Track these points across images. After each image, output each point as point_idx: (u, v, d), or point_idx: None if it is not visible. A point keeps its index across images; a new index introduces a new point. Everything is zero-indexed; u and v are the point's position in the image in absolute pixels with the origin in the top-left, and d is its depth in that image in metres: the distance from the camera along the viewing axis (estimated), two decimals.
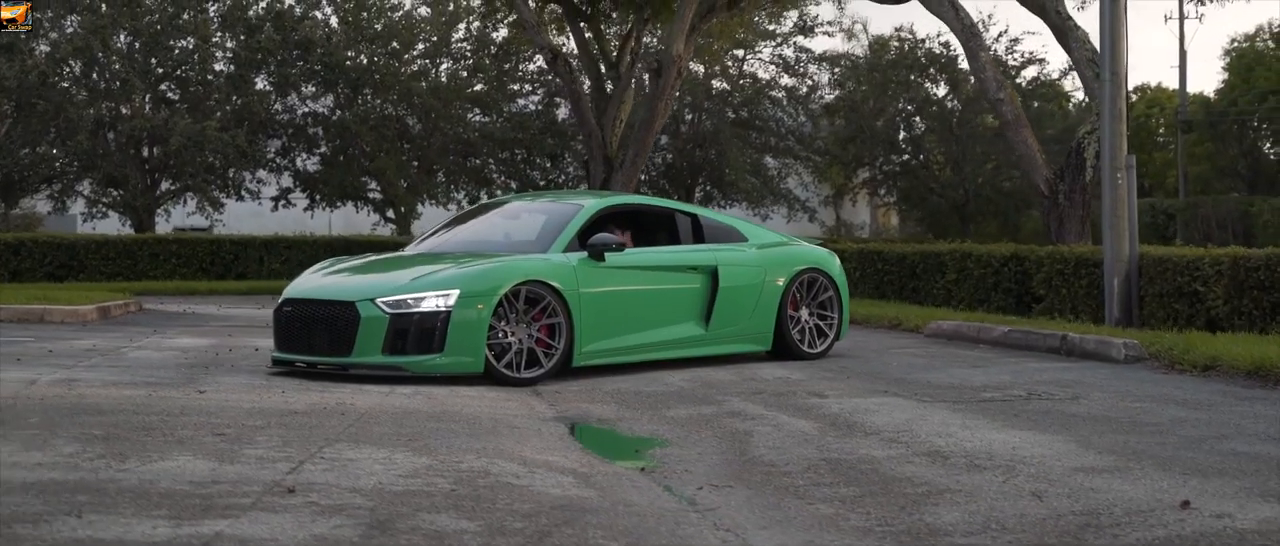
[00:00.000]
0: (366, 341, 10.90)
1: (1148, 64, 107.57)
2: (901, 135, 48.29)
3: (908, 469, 7.11)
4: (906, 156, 48.12)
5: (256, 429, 7.99)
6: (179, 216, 44.64)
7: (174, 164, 36.70)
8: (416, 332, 10.86)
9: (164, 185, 38.36)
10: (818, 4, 34.48)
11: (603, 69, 31.00)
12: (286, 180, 41.65)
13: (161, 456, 6.92)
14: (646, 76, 31.88)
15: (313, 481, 6.37)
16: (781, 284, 13.28)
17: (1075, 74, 44.54)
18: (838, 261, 14.11)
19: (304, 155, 41.81)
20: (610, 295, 11.95)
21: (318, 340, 11.22)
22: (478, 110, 43.33)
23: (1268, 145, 55.26)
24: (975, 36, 22.11)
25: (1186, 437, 8.05)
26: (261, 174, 40.62)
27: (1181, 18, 51.44)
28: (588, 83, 31.08)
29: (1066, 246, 19.57)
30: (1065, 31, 21.50)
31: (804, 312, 13.54)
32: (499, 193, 44.44)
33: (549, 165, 44.65)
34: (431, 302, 10.92)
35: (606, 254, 11.98)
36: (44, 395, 9.33)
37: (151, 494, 5.99)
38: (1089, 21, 33.53)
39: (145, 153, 37.49)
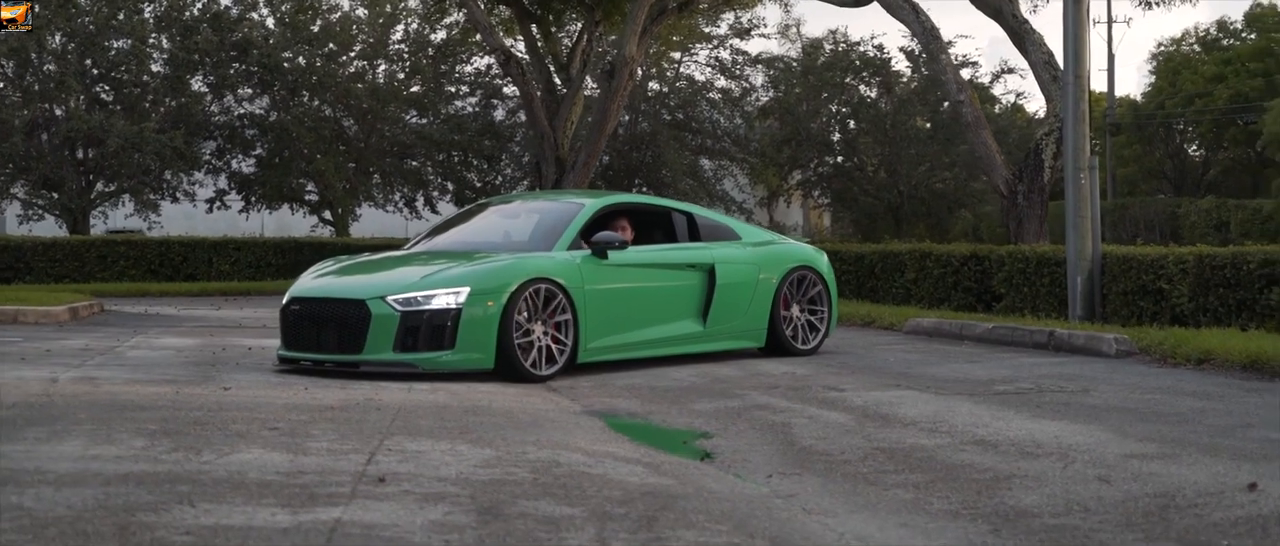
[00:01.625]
0: (378, 339, 11.01)
1: (1093, 69, 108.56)
2: (835, 137, 48.64)
3: (963, 456, 7.30)
4: (840, 158, 48.48)
5: (304, 423, 8.07)
6: (116, 219, 44.30)
7: (110, 166, 36.44)
8: (427, 330, 10.97)
9: (99, 187, 38.09)
10: (766, 6, 34.62)
11: (553, 71, 31.09)
12: (221, 182, 41.48)
13: (232, 449, 7.00)
14: (592, 79, 32.03)
15: (396, 471, 6.47)
16: (774, 281, 13.52)
17: (1003, 78, 45.12)
18: (826, 259, 14.35)
19: (240, 157, 41.64)
20: (613, 292, 12.16)
21: (327, 338, 11.31)
22: (415, 112, 43.32)
23: (1193, 147, 56.15)
24: (936, 39, 22.43)
25: (1214, 426, 8.30)
26: (197, 176, 40.41)
27: (1109, 22, 52.20)
28: (539, 85, 31.15)
29: (1027, 245, 19.89)
30: (1022, 35, 21.84)
31: (795, 309, 13.75)
32: (435, 194, 44.48)
33: (486, 167, 44.73)
34: (442, 300, 11.02)
35: (609, 252, 12.17)
36: (75, 392, 9.36)
37: (247, 484, 6.08)
38: (1043, 25, 34.03)
39: (81, 154, 37.21)
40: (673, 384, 11.07)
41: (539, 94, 29.86)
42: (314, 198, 43.15)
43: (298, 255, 31.95)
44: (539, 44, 31.36)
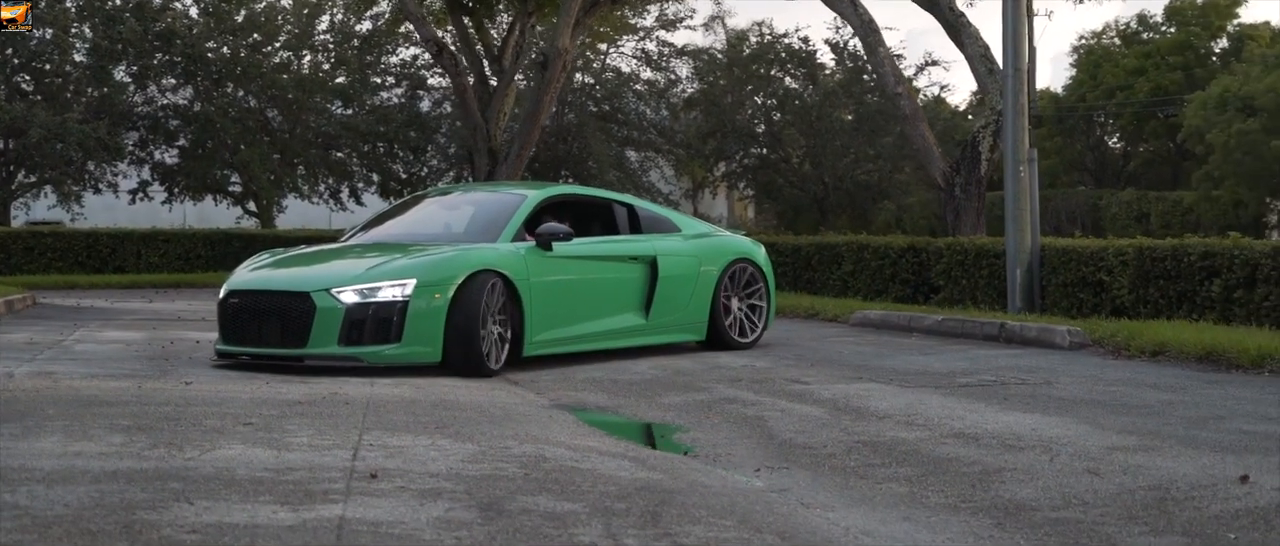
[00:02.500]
0: (322, 332, 10.79)
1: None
2: (760, 129, 48.74)
3: (946, 450, 7.32)
4: (765, 150, 48.61)
5: (277, 418, 7.98)
6: (38, 210, 43.71)
7: (32, 157, 35.95)
8: (373, 323, 10.78)
9: (20, 178, 37.57)
10: None
11: (485, 63, 30.97)
12: (144, 173, 41.02)
13: (213, 445, 6.91)
14: (524, 72, 31.91)
15: (385, 467, 6.40)
16: (715, 273, 13.46)
17: (927, 71, 45.33)
18: (764, 252, 14.37)
19: (163, 148, 41.20)
20: (558, 284, 12.02)
21: (269, 332, 11.05)
22: (340, 103, 43.05)
23: (1114, 140, 56.73)
24: (873, 32, 22.50)
25: (1186, 419, 8.36)
26: (120, 167, 39.94)
27: (1031, 16, 52.46)
28: (471, 77, 31.02)
29: (966, 237, 20.01)
30: (958, 28, 21.95)
31: (735, 302, 13.69)
32: (360, 186, 44.20)
33: (411, 158, 44.53)
34: (388, 292, 10.84)
35: (554, 244, 12.02)
36: (35, 388, 9.21)
37: (239, 481, 6.00)
38: (980, 18, 34.22)
39: (1, 146, 36.69)
40: (635, 377, 11.04)
41: (471, 85, 29.72)
42: (238, 189, 42.80)
43: (227, 247, 31.66)
44: (472, 34, 31.21)
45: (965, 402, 9.13)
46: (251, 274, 11.70)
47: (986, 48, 21.57)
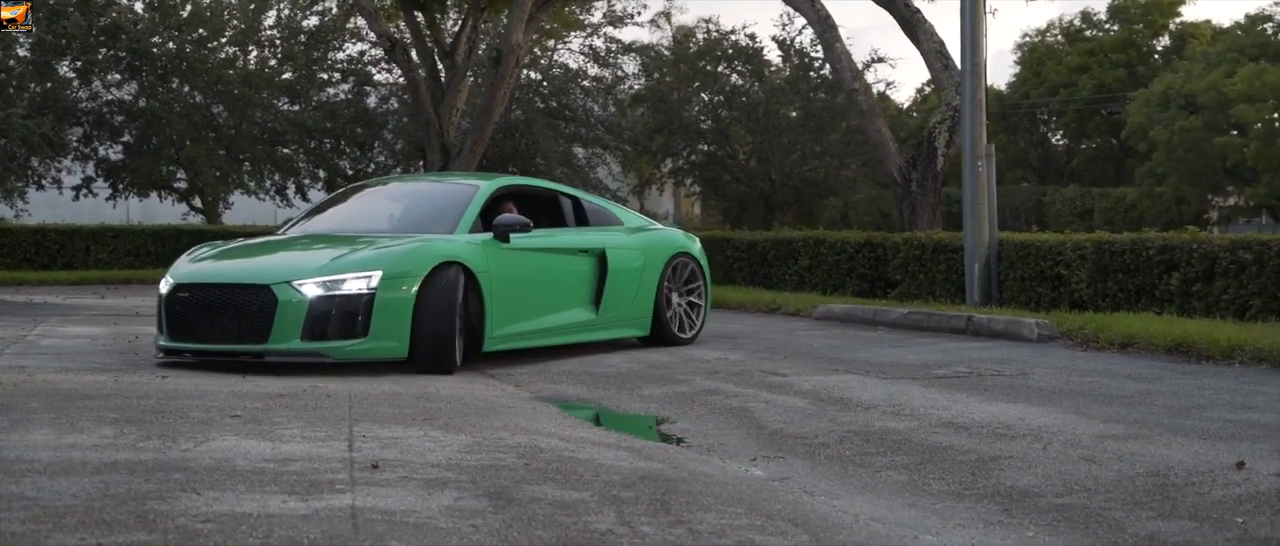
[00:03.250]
0: (284, 327, 10.22)
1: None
2: (707, 125, 48.83)
3: (938, 439, 7.35)
4: (712, 146, 48.70)
5: (262, 410, 7.94)
6: None
7: None
8: (338, 316, 10.27)
9: None
10: None
11: (437, 58, 30.89)
12: (88, 169, 40.68)
13: (205, 437, 6.87)
14: (475, 67, 31.85)
15: (383, 457, 6.38)
16: (659, 267, 13.16)
17: (873, 67, 45.36)
18: (700, 245, 14.13)
19: (108, 143, 40.88)
20: (517, 277, 11.57)
21: (223, 327, 10.42)
22: (286, 99, 42.85)
23: (1057, 137, 57.12)
24: (830, 27, 22.57)
25: (1168, 408, 8.43)
26: (64, 162, 39.59)
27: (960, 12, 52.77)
28: (423, 72, 30.92)
29: (923, 232, 20.11)
30: (913, 24, 22.04)
31: (675, 297, 13.41)
32: (306, 182, 43.98)
33: (358, 154, 44.37)
34: (354, 284, 10.33)
35: (511, 236, 11.60)
36: (13, 381, 9.11)
37: (241, 472, 5.96)
38: (935, 14, 34.35)
39: None
40: (609, 370, 11.03)
41: (424, 81, 29.63)
42: (183, 185, 42.52)
43: (177, 243, 31.45)
44: (424, 30, 31.13)
45: (946, 393, 9.18)
46: (198, 266, 11.11)
47: (942, 44, 21.67)
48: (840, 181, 48.03)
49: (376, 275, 10.36)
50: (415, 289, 10.41)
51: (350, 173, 43.99)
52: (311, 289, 10.28)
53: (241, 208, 45.35)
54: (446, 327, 10.50)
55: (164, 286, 10.92)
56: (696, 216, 56.49)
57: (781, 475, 6.44)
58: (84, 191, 40.83)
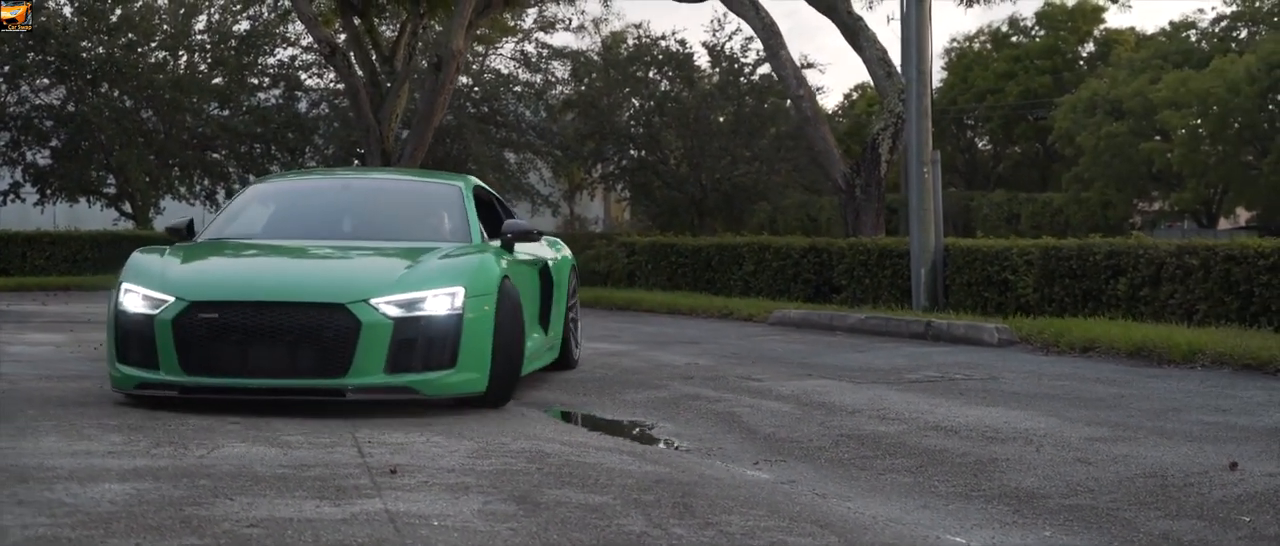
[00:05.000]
0: (367, 357, 8.16)
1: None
2: (637, 130, 49.03)
3: (931, 441, 7.52)
4: (642, 152, 48.89)
5: (258, 418, 8.01)
6: None
7: None
8: (424, 343, 8.33)
9: None
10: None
11: (376, 64, 30.90)
12: (15, 174, 40.35)
13: (215, 445, 6.94)
14: (414, 72, 31.86)
15: (398, 463, 6.48)
16: (567, 281, 11.62)
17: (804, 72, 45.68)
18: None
19: (35, 149, 40.57)
20: (522, 293, 9.56)
21: (277, 358, 8.22)
22: (216, 103, 42.68)
23: (984, 142, 57.71)
24: (775, 35, 22.76)
25: (1146, 410, 8.65)
26: None
27: (903, 19, 53.30)
28: (363, 77, 30.92)
29: (868, 238, 20.35)
30: (856, 32, 22.29)
31: (571, 314, 11.75)
32: (237, 186, 43.79)
33: (289, 159, 44.27)
34: (437, 303, 8.41)
35: (516, 245, 9.96)
36: (2, 390, 9.16)
37: (264, 478, 6.05)
38: (877, 23, 34.64)
39: None
40: (582, 377, 11.13)
41: (364, 86, 29.63)
42: (113, 190, 42.26)
43: (116, 249, 31.22)
44: (364, 35, 31.12)
45: (925, 398, 9.36)
46: (216, 278, 8.85)
47: (884, 51, 21.93)
48: (770, 187, 48.42)
49: (460, 293, 8.50)
50: (492, 309, 8.63)
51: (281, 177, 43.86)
52: (393, 309, 8.29)
53: (172, 212, 45.13)
54: (517, 354, 8.90)
55: (162, 308, 8.38)
56: (626, 222, 56.66)
57: (788, 478, 6.58)
58: (11, 197, 40.50)
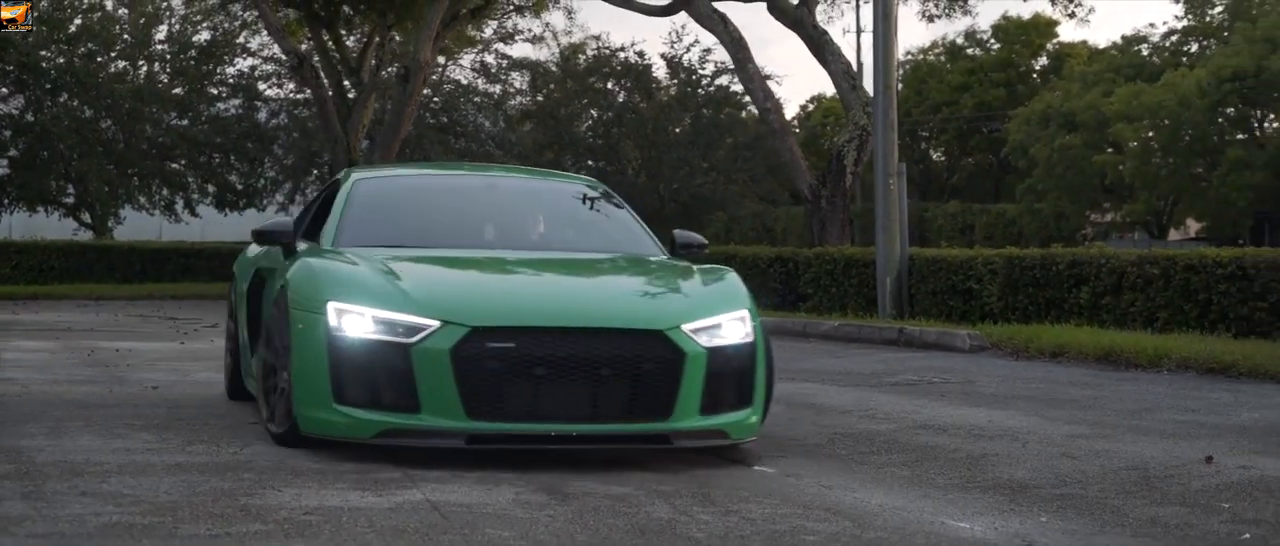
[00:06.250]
0: (689, 395, 6.95)
1: (827, 77, 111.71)
2: (595, 141, 49.44)
3: (922, 439, 7.93)
4: (601, 162, 49.29)
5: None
6: None
7: None
8: (730, 376, 7.17)
9: None
10: (551, 10, 35.19)
11: (342, 75, 31.21)
12: None
13: (245, 442, 7.33)
14: (376, 83, 32.17)
15: (418, 457, 6.82)
16: None
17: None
18: None
19: None
20: None
21: (578, 398, 6.80)
22: (176, 113, 42.86)
23: (938, 153, 58.38)
24: (743, 48, 23.20)
25: (1121, 410, 9.10)
26: None
27: (858, 32, 54.01)
28: (330, 88, 31.22)
29: (834, 247, 20.79)
30: (821, 46, 22.76)
31: None
32: (195, 196, 43.98)
33: (248, 169, 44.52)
34: (733, 328, 7.26)
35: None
36: (16, 393, 9.51)
37: (304, 471, 6.42)
38: (836, 36, 35.12)
39: None
40: None
41: (330, 97, 29.93)
42: (71, 200, 42.39)
43: (82, 259, 31.51)
44: (329, 47, 31.42)
45: (910, 399, 9.78)
46: (496, 295, 7.31)
47: (849, 65, 22.43)
48: (728, 197, 49.01)
49: (747, 316, 7.39)
50: (763, 334, 7.52)
51: (240, 187, 44.11)
52: (702, 336, 7.09)
53: (133, 223, 45.24)
54: (772, 387, 7.66)
55: (398, 332, 6.80)
56: None
57: (792, 472, 6.95)
58: None
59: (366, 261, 7.51)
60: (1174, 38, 50.03)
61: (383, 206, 8.67)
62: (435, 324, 6.76)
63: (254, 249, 9.57)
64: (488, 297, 7.17)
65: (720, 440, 7.10)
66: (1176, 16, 51.23)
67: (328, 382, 6.82)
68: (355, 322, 6.85)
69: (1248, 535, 5.40)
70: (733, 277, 7.84)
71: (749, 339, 7.23)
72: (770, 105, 23.45)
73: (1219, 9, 48.07)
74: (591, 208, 9.12)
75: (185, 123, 42.80)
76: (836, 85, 22.59)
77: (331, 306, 6.92)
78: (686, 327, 7.01)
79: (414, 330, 6.76)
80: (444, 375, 6.68)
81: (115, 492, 5.76)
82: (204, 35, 43.09)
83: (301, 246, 8.31)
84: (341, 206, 8.46)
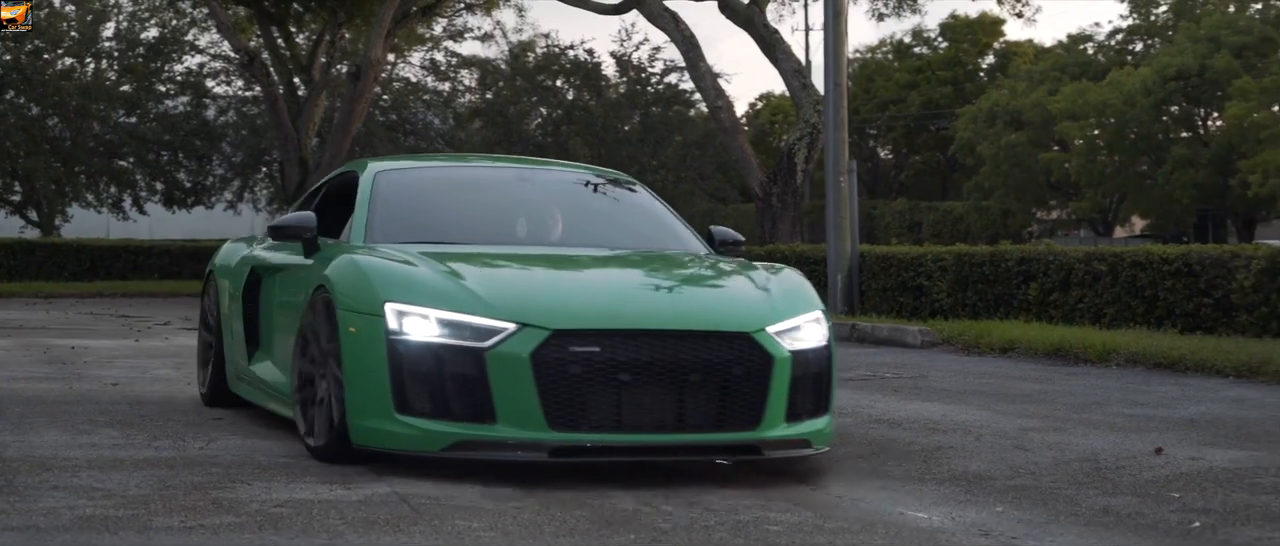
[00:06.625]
0: (776, 401, 6.58)
1: (775, 74, 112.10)
2: (545, 139, 49.52)
3: (877, 432, 8.06)
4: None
5: (233, 414, 8.42)
6: None
7: None
8: (812, 383, 6.81)
9: None
10: (502, 8, 35.27)
11: (293, 73, 31.21)
12: None
13: (210, 437, 7.43)
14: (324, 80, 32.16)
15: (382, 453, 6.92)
16: None
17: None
18: None
19: None
20: None
21: (661, 405, 6.35)
22: (124, 110, 42.72)
23: (886, 152, 58.74)
24: (694, 47, 23.35)
25: (1070, 404, 9.27)
26: None
27: (806, 30, 54.31)
28: (280, 86, 31.20)
29: (785, 245, 20.96)
30: (772, 44, 22.92)
31: None
32: (143, 194, 43.86)
33: (196, 167, 44.43)
34: (811, 331, 6.86)
35: None
36: None
37: (269, 466, 6.53)
38: (785, 35, 35.31)
39: None
40: None
41: (281, 95, 29.92)
42: (18, 198, 42.20)
43: (30, 257, 31.36)
44: (279, 45, 31.41)
45: (864, 395, 9.92)
46: (570, 295, 6.73)
47: (800, 64, 22.60)
48: (677, 194, 49.19)
49: (821, 317, 7.01)
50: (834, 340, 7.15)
51: (188, 185, 44.03)
52: (785, 340, 6.71)
53: (80, 221, 45.07)
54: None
55: (467, 336, 6.32)
56: None
57: (752, 465, 7.07)
58: None
59: (419, 258, 6.93)
60: (1119, 37, 50.56)
61: (412, 200, 8.12)
62: (511, 326, 6.29)
63: (240, 246, 9.14)
64: (566, 298, 6.62)
65: (804, 450, 6.71)
66: (1121, 16, 51.85)
67: (388, 391, 6.33)
68: (418, 325, 6.35)
69: (1197, 523, 5.54)
70: (798, 277, 7.38)
71: (825, 342, 6.86)
72: (722, 104, 23.60)
73: (1163, 8, 48.59)
74: (627, 201, 8.56)
75: (133, 120, 42.67)
76: (787, 83, 22.76)
77: (390, 308, 6.40)
78: (771, 330, 6.62)
79: (488, 333, 6.28)
80: (523, 382, 6.20)
81: (87, 486, 5.83)
82: (152, 32, 42.93)
83: (327, 244, 7.68)
84: (367, 200, 7.82)
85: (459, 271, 6.74)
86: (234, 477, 6.14)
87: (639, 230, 8.16)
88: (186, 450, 6.92)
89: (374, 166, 8.23)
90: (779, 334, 6.61)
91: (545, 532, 5.23)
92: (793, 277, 7.30)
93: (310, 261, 7.48)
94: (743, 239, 8.40)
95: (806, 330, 6.77)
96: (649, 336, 6.36)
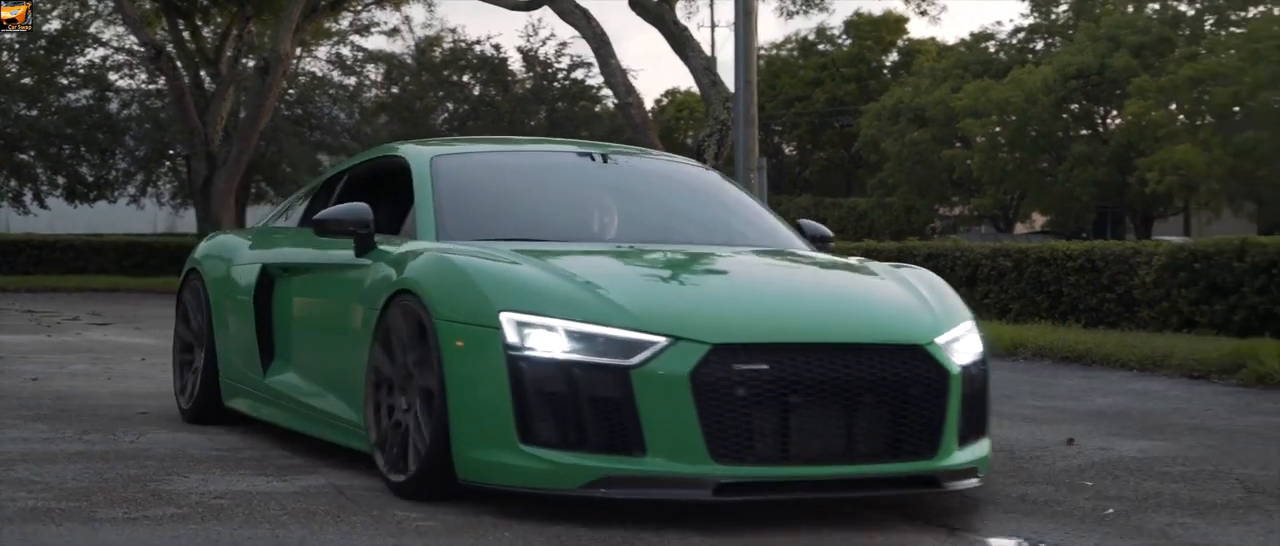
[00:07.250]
0: (951, 425, 5.66)
1: (682, 71, 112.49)
2: (451, 134, 49.52)
3: None
4: None
5: (163, 409, 8.47)
6: None
7: None
8: (976, 401, 5.90)
9: None
10: (411, 4, 35.25)
11: (200, 67, 31.06)
12: None
13: (140, 431, 7.48)
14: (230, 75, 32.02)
15: (317, 446, 7.01)
16: None
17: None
18: None
19: None
20: None
21: (830, 430, 5.39)
22: (24, 103, 42.29)
23: (790, 148, 59.18)
24: (605, 43, 23.48)
25: (997, 396, 9.47)
26: None
27: (712, 26, 54.73)
28: (187, 79, 31.04)
29: None
30: (682, 41, 23.10)
31: None
32: (45, 188, 43.47)
33: (98, 160, 44.07)
34: (969, 344, 5.95)
35: None
36: None
37: (204, 459, 6.63)
38: (702, 34, 35.51)
39: None
40: None
41: (188, 89, 29.77)
42: None
43: None
44: (186, 39, 31.25)
45: None
46: (719, 302, 5.73)
47: (710, 61, 22.79)
48: None
49: (973, 326, 6.13)
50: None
51: (90, 179, 43.66)
52: (955, 354, 5.79)
53: None
54: None
55: (609, 352, 5.32)
56: None
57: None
58: None
59: (523, 259, 5.87)
60: (1020, 35, 51.25)
61: (483, 189, 6.93)
62: (662, 340, 5.31)
63: (235, 242, 8.16)
64: (722, 305, 5.65)
65: (973, 479, 5.76)
66: (1023, 15, 52.57)
67: (510, 418, 5.34)
68: (545, 339, 5.36)
69: (1111, 509, 5.76)
70: (940, 280, 6.45)
71: (979, 357, 5.95)
72: (633, 100, 23.75)
73: (1064, 8, 49.31)
74: (715, 188, 7.56)
75: (34, 113, 42.21)
76: (697, 80, 22.94)
77: (507, 318, 5.41)
78: (939, 341, 5.68)
79: (634, 348, 5.30)
80: (681, 406, 5.22)
81: (25, 479, 5.89)
82: (54, 24, 42.51)
83: (386, 242, 6.49)
84: (429, 189, 6.65)
85: (580, 273, 5.73)
86: (169, 470, 6.21)
87: (739, 222, 7.17)
88: (118, 444, 6.97)
89: (425, 150, 7.07)
90: (947, 345, 5.72)
91: (481, 515, 5.35)
92: (937, 281, 6.39)
93: (366, 261, 6.41)
94: (832, 235, 7.54)
95: (966, 341, 5.89)
96: (820, 351, 5.42)
